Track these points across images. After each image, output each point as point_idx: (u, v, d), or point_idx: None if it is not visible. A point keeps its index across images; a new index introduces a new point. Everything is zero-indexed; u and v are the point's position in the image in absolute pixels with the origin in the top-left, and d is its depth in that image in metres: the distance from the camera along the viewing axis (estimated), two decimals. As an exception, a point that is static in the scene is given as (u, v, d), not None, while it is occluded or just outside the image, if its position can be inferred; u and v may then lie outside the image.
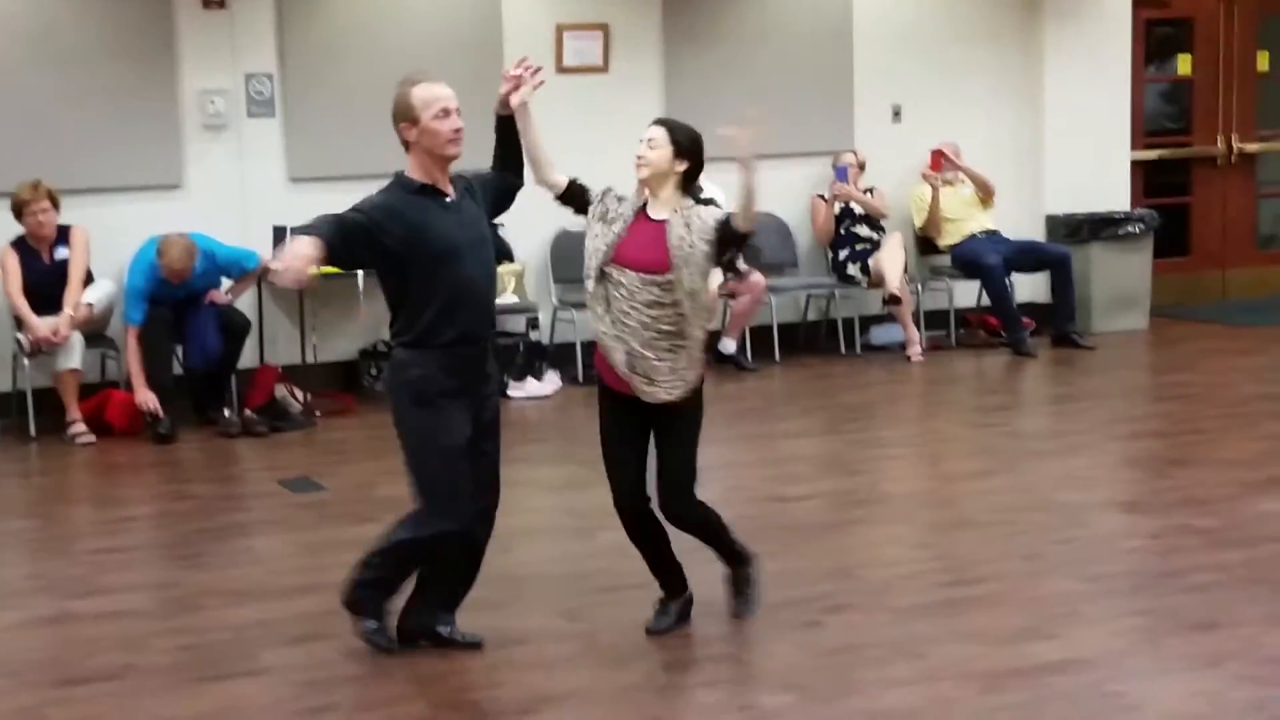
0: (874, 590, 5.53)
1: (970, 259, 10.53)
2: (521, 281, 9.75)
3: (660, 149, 4.94)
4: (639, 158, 4.97)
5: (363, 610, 4.98)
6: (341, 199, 10.43)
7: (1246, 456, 7.33)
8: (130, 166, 9.23)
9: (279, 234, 9.22)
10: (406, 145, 4.83)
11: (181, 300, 8.64)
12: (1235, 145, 12.12)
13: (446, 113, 4.77)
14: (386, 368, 5.29)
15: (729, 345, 10.04)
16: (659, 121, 5.07)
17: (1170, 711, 4.37)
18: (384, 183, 4.88)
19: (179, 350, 8.80)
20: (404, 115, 4.79)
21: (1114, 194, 11.37)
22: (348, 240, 4.65)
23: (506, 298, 9.60)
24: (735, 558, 5.20)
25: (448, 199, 4.84)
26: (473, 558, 5.02)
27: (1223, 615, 5.11)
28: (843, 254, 10.52)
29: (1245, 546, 5.86)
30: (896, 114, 10.95)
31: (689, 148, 4.96)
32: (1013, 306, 10.48)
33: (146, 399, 8.42)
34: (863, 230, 10.54)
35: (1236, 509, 6.40)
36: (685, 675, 4.79)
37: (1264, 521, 6.20)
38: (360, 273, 8.93)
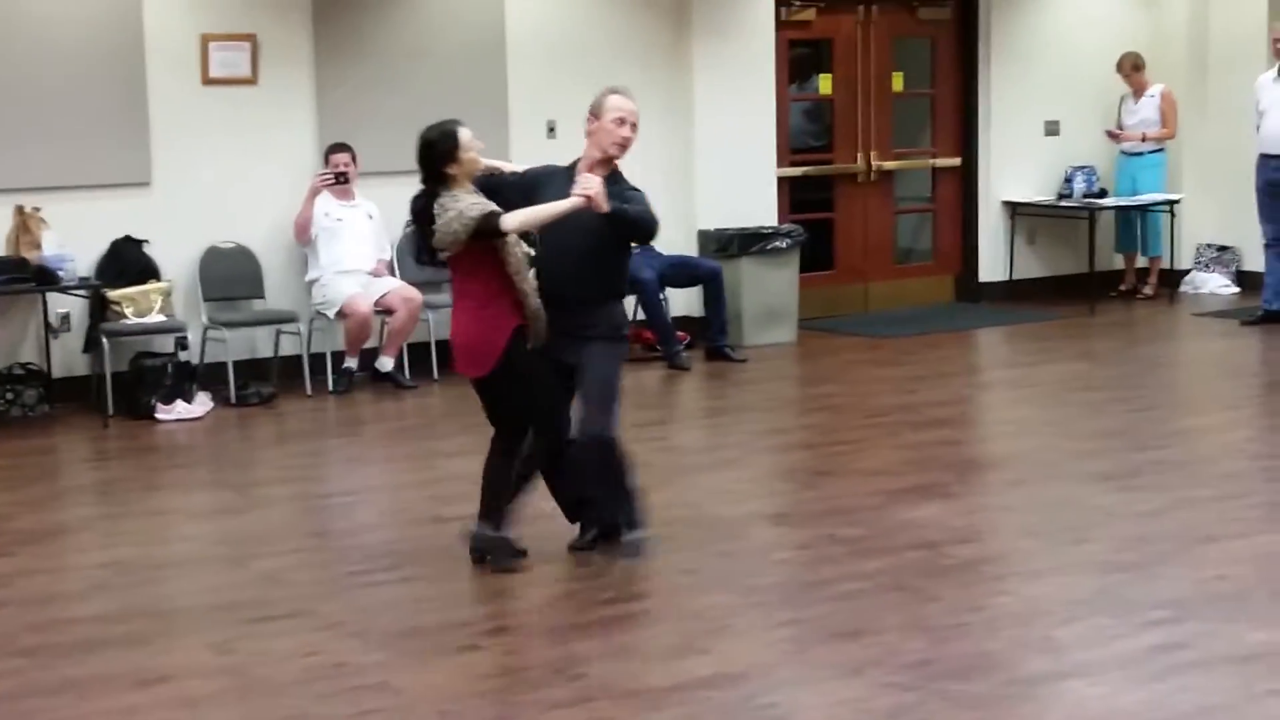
0: (534, 610, 5.53)
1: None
2: (169, 300, 9.41)
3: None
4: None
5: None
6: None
7: (888, 465, 7.63)
8: None
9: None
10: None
11: None
12: (874, 163, 12.61)
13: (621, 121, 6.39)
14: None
15: (386, 363, 9.90)
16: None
17: (818, 721, 4.50)
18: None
19: None
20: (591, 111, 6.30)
21: (762, 210, 11.68)
22: None
23: (154, 317, 9.26)
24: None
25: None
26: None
27: (865, 623, 5.30)
28: (499, 269, 10.49)
29: (887, 554, 6.09)
30: (551, 130, 10.99)
31: None
32: (667, 321, 10.66)
33: None
34: (519, 246, 10.54)
35: (879, 518, 6.64)
36: (337, 707, 4.68)
37: (904, 529, 6.45)
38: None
